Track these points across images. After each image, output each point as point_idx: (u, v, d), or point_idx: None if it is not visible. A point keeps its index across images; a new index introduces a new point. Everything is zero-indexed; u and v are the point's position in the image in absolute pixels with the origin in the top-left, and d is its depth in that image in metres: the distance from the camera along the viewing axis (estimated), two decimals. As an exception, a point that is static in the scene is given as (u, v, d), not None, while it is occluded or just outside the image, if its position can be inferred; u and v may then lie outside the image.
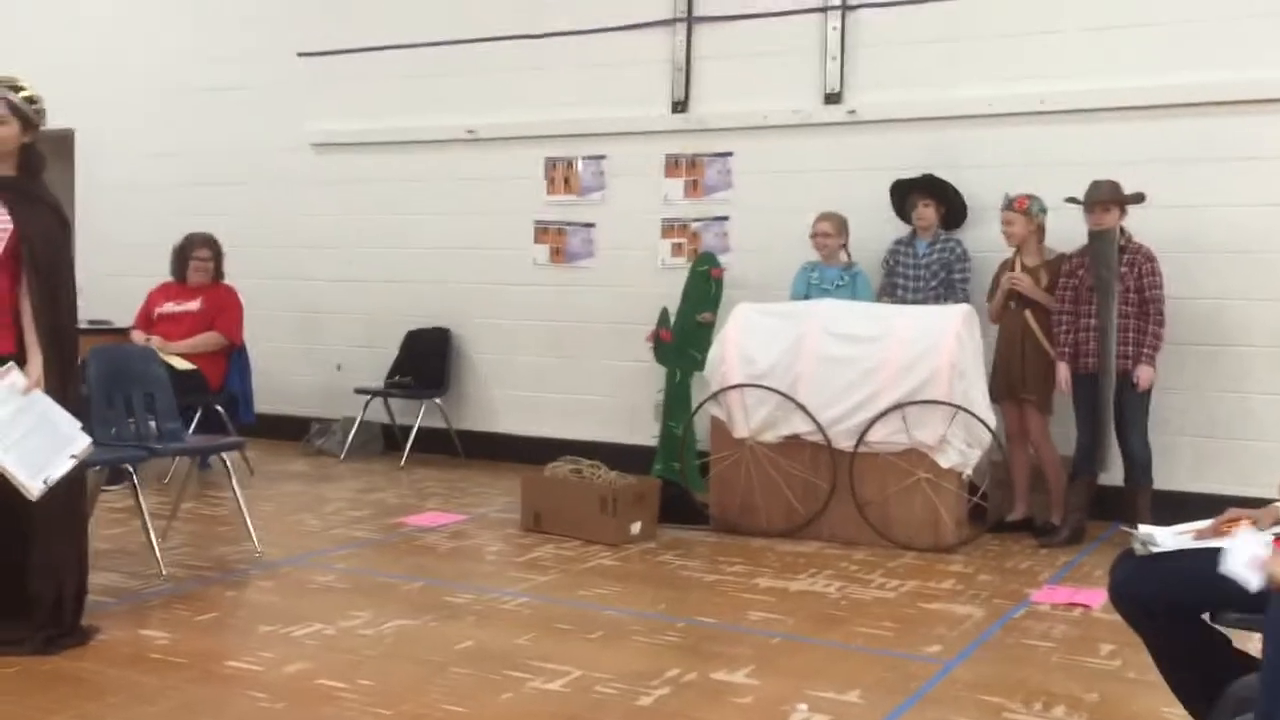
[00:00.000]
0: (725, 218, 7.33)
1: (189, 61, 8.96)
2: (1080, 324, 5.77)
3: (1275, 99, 5.95)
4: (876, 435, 5.60)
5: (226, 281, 7.35)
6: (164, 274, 7.38)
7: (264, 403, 7.71)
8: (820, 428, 5.69)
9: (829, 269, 6.58)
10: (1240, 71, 6.02)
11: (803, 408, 5.72)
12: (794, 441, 5.78)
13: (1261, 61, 5.99)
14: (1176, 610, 2.69)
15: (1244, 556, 2.29)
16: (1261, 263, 6.03)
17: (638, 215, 7.55)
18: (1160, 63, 6.20)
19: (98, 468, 4.82)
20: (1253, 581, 2.27)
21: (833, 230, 6.54)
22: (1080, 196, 5.76)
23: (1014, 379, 5.99)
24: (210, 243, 7.32)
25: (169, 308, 7.19)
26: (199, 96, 8.91)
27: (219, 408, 7.01)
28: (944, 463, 5.54)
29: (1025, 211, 5.95)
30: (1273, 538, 2.23)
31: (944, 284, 6.35)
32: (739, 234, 7.28)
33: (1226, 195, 6.08)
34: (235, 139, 8.79)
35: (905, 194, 6.54)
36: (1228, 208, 6.08)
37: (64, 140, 9.45)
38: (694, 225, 7.42)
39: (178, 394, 5.44)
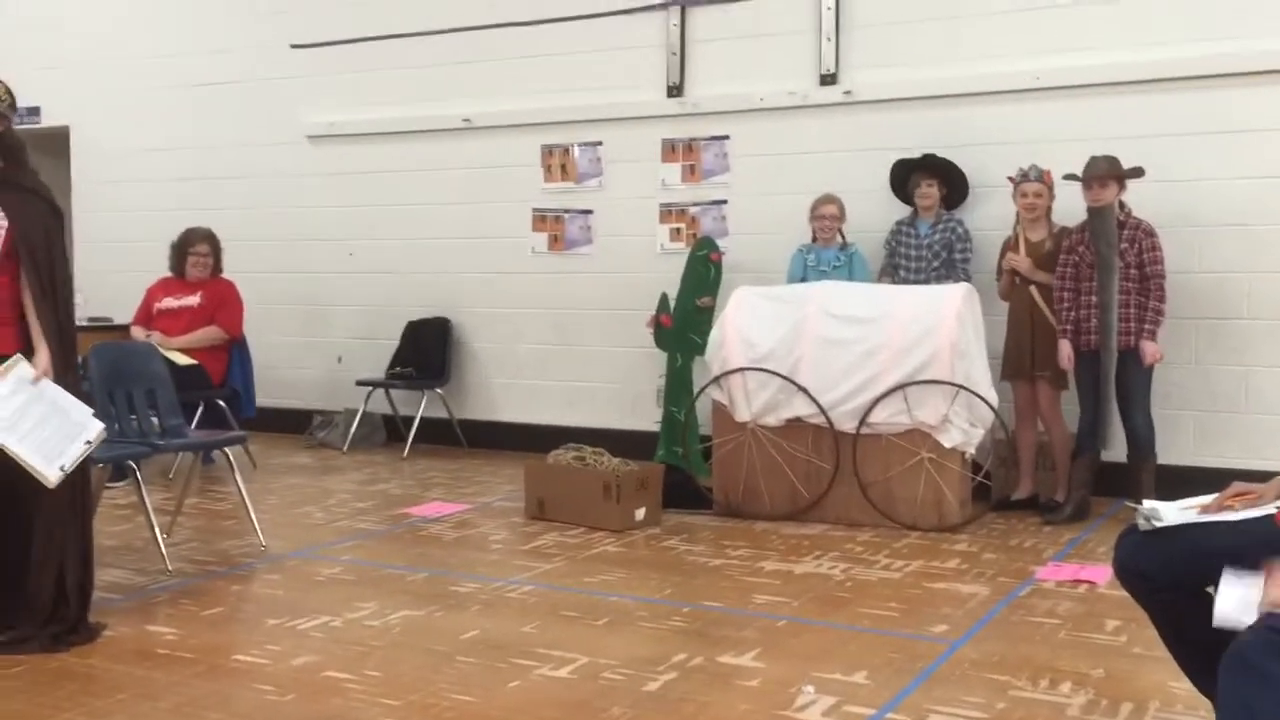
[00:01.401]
0: (723, 201, 7.32)
1: (183, 56, 8.94)
2: (1081, 300, 5.76)
3: (1274, 70, 5.92)
4: (879, 416, 5.60)
5: (226, 275, 7.35)
6: (163, 269, 7.37)
7: (266, 396, 7.72)
8: (822, 410, 5.69)
9: (825, 251, 6.56)
10: (1238, 43, 5.99)
11: (804, 390, 5.71)
12: (796, 424, 5.78)
13: (1259, 33, 5.95)
14: (1181, 585, 2.68)
15: (1233, 603, 2.21)
16: (1261, 235, 6.01)
17: (635, 201, 7.53)
18: (1157, 36, 6.17)
19: (101, 465, 4.83)
20: (1248, 621, 2.20)
21: (839, 212, 6.53)
22: (1079, 173, 5.74)
23: (1024, 356, 5.97)
24: (209, 238, 7.31)
25: (168, 303, 7.18)
26: (193, 91, 8.89)
27: (221, 402, 7.01)
28: (947, 442, 5.53)
29: (1051, 185, 5.94)
30: (1259, 576, 2.14)
31: (946, 264, 6.33)
32: (737, 217, 7.27)
33: (1226, 168, 6.05)
34: (231, 132, 8.77)
35: (907, 174, 6.52)
36: (1227, 181, 6.06)
37: (59, 137, 9.45)
38: (692, 210, 7.40)
39: (179, 389, 5.44)
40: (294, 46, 8.49)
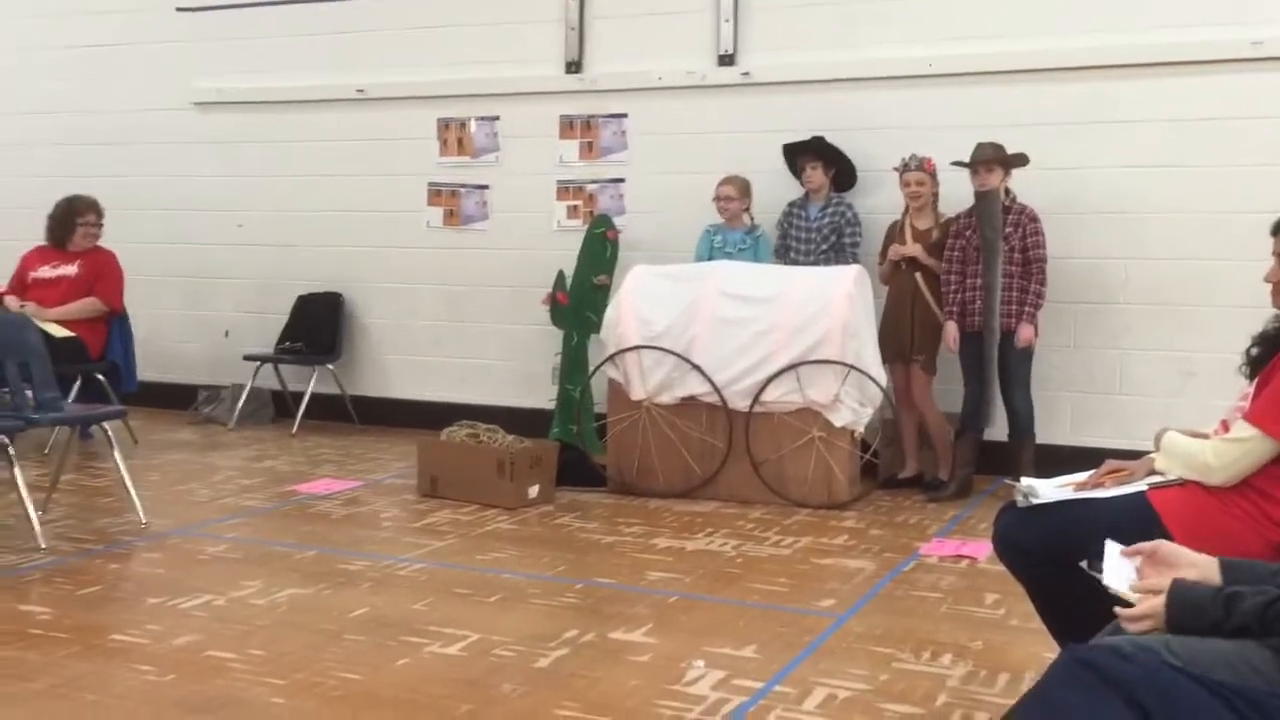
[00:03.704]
0: (621, 179, 7.31)
1: (63, 16, 8.58)
2: (967, 284, 5.90)
3: (1153, 63, 6.12)
4: (771, 395, 5.67)
5: (105, 245, 7.11)
6: (37, 237, 7.09)
7: (149, 371, 7.49)
8: (716, 388, 5.73)
9: (732, 232, 6.60)
10: (1121, 36, 6.17)
11: (699, 369, 5.76)
12: (690, 403, 5.82)
13: (1141, 27, 6.14)
14: (1055, 559, 2.77)
15: (1118, 580, 2.13)
16: (1137, 223, 6.22)
17: (532, 177, 7.47)
18: (1045, 27, 6.32)
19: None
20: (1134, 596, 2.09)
21: (735, 193, 6.56)
22: (966, 160, 5.87)
23: (902, 340, 6.10)
24: (96, 206, 7.09)
25: (45, 272, 6.93)
26: (74, 53, 8.54)
27: (100, 376, 6.79)
28: (837, 421, 5.63)
29: (933, 172, 6.05)
30: (1137, 557, 2.13)
31: (834, 247, 6.42)
32: (634, 196, 7.26)
33: (1106, 157, 6.25)
34: (114, 97, 8.45)
35: (795, 157, 6.59)
36: (1107, 169, 6.25)
37: (-73, 97, 9.00)
38: (589, 187, 7.38)
39: (55, 362, 5.26)
40: (180, 10, 8.21)
